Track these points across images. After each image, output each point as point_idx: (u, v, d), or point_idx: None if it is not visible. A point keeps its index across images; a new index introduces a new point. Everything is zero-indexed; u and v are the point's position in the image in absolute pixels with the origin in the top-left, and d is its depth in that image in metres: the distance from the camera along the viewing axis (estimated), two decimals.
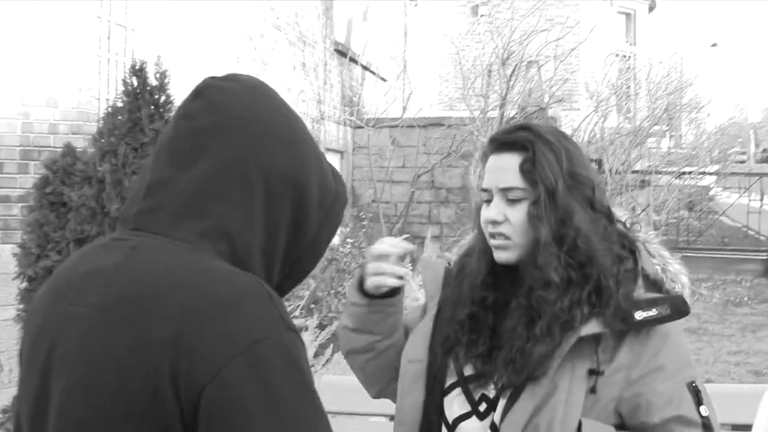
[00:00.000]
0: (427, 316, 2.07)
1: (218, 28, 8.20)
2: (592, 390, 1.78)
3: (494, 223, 1.86)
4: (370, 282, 1.98)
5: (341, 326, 2.15)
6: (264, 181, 1.23)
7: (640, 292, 1.83)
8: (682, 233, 13.52)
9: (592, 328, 1.77)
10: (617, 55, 16.93)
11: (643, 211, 11.97)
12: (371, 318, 2.05)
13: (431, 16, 17.82)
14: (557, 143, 1.86)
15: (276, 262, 1.25)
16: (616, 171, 11.56)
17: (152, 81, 4.21)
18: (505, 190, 1.86)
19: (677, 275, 1.91)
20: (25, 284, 4.11)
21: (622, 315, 1.77)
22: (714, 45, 42.69)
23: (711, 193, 13.83)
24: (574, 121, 12.92)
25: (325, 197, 1.31)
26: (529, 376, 1.78)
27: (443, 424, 1.93)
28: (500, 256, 1.88)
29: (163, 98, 4.23)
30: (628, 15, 19.91)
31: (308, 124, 7.69)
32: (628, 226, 1.95)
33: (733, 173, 14.25)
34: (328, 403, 2.91)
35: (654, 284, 1.88)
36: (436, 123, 11.47)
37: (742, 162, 28.22)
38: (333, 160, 10.99)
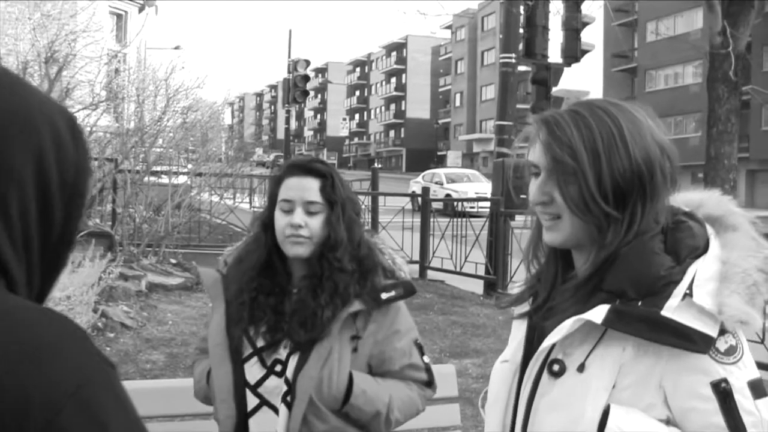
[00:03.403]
0: (217, 311, 2.62)
1: None
2: (354, 350, 2.51)
3: (297, 226, 2.48)
4: None
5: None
6: None
7: (381, 279, 2.57)
8: (185, 232, 14.18)
9: (357, 306, 2.49)
10: (116, 56, 17.25)
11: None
12: None
13: None
14: (339, 175, 2.59)
15: (34, 268, 1.13)
16: (136, 171, 12.02)
17: None
18: (308, 203, 2.49)
19: (401, 266, 2.66)
20: None
21: (373, 296, 2.52)
22: (177, 47, 44.48)
23: (193, 193, 14.58)
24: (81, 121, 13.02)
25: (66, 174, 1.13)
26: (318, 335, 2.45)
27: (246, 387, 2.50)
28: (296, 251, 2.50)
29: None
30: (119, 15, 20.27)
31: None
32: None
33: (200, 174, 14.74)
34: None
35: (388, 273, 2.61)
36: None
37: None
38: None
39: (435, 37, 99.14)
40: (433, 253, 13.96)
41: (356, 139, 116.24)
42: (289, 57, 28.58)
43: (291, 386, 2.44)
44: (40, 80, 9.69)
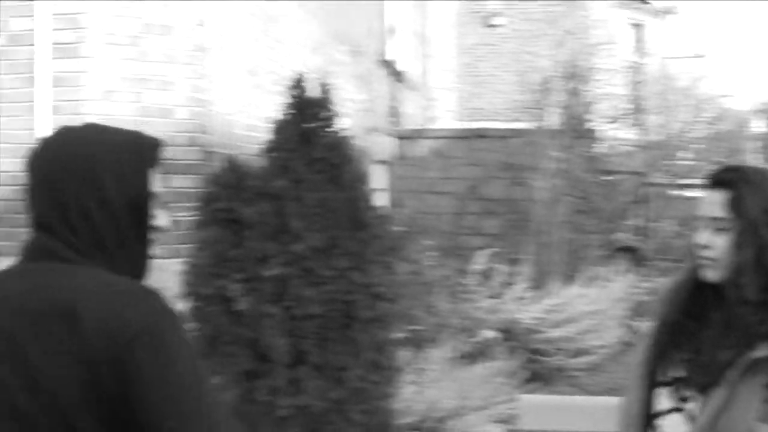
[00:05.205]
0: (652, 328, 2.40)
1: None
2: (767, 400, 2.09)
3: (703, 247, 2.20)
4: None
5: None
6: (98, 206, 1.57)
7: None
8: None
9: (763, 351, 2.07)
10: (635, 68, 17.09)
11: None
12: None
13: (445, 27, 17.74)
14: (760, 185, 2.19)
15: (118, 257, 1.60)
16: (664, 184, 11.73)
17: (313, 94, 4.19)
18: (713, 220, 2.19)
19: None
20: (196, 304, 3.99)
21: None
22: (699, 55, 43.05)
23: None
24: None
25: (127, 197, 1.59)
26: (712, 380, 2.12)
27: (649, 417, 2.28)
28: (706, 274, 2.21)
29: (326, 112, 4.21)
30: (638, 26, 19.99)
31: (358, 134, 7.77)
32: None
33: None
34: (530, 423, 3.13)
35: None
36: (480, 135, 11.48)
37: None
38: (379, 170, 10.90)
39: None
40: None
41: None
42: None
43: None
44: (562, 95, 9.82)
